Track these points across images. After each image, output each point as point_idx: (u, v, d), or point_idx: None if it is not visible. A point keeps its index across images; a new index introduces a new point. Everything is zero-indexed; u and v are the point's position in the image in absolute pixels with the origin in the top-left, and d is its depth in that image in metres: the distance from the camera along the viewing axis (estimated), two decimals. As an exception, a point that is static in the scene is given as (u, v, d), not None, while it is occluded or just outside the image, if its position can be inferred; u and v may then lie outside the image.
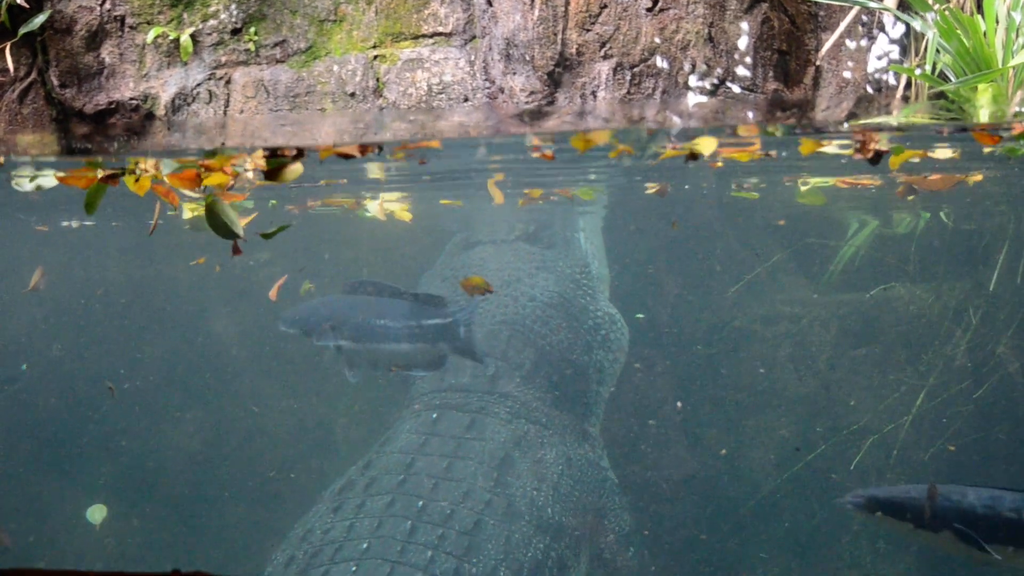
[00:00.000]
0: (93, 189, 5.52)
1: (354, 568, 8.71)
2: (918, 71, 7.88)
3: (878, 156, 7.56)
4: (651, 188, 9.65)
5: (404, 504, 9.12)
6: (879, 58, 8.09)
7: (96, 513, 11.07)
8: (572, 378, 9.53)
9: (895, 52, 8.07)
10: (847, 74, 8.03)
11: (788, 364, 10.39)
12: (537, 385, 9.53)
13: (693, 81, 7.93)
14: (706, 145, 7.04)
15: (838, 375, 10.27)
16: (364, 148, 5.97)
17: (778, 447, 9.13)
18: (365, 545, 9.02)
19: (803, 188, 9.34)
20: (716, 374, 10.60)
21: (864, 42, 8.09)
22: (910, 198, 8.51)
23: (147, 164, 6.17)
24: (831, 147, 7.99)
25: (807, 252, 10.56)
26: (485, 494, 9.20)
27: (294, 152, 5.63)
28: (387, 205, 9.77)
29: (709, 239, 11.14)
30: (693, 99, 7.89)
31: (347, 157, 5.93)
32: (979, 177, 8.46)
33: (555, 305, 9.76)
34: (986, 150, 8.50)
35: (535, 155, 7.85)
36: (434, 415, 9.56)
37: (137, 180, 6.05)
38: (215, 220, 5.59)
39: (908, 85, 7.93)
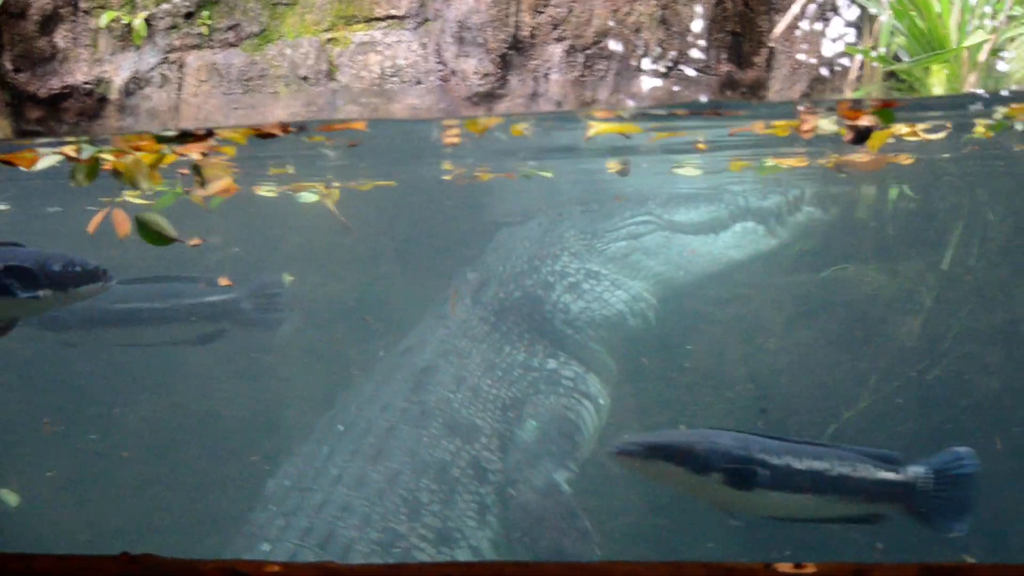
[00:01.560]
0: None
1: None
2: (874, 53, 7.84)
3: (863, 134, 7.51)
4: (612, 167, 9.60)
5: (328, 429, 9.45)
6: (834, 40, 8.03)
7: (9, 497, 11.09)
8: (520, 302, 9.58)
9: (850, 34, 8.02)
10: (801, 56, 7.98)
11: (739, 345, 10.35)
12: (482, 304, 9.66)
13: (646, 63, 7.88)
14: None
15: (790, 356, 10.24)
16: (285, 127, 5.94)
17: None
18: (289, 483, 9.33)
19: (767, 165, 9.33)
20: (668, 355, 10.62)
21: (819, 24, 8.04)
22: (842, 175, 8.47)
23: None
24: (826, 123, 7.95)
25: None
26: (403, 402, 9.38)
27: (204, 131, 5.61)
28: (321, 191, 9.73)
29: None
30: (647, 81, 7.85)
31: (267, 137, 5.90)
32: (909, 160, 8.43)
33: (520, 248, 9.84)
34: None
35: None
36: (382, 352, 9.86)
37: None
38: (147, 231, 5.59)
39: (862, 67, 7.88)
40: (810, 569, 3.85)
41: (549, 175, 10.09)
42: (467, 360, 9.61)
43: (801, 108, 7.58)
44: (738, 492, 5.98)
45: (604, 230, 9.85)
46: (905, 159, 8.32)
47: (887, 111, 7.09)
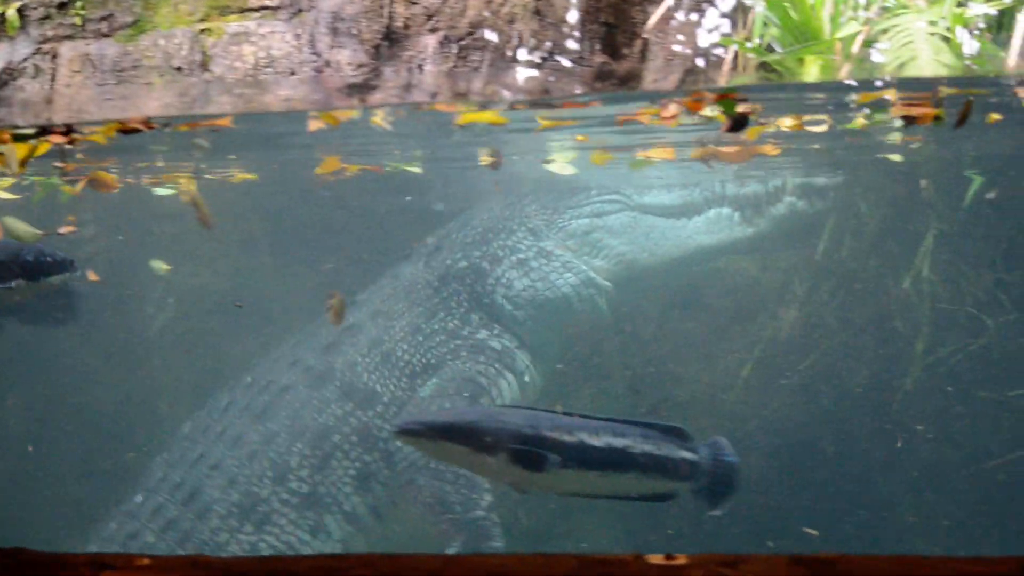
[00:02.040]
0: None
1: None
2: (749, 44, 7.84)
3: (739, 122, 7.51)
4: (484, 159, 9.55)
5: (237, 380, 9.49)
6: (709, 31, 8.03)
7: None
8: (464, 271, 9.53)
9: (725, 25, 8.01)
10: (677, 47, 7.97)
11: (614, 336, 10.34)
12: (431, 269, 9.61)
13: (521, 54, 7.86)
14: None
15: (665, 347, 10.25)
16: (148, 122, 5.89)
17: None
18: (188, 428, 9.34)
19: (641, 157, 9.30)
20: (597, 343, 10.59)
21: (694, 15, 8.03)
22: (711, 164, 8.46)
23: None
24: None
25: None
26: (310, 361, 9.35)
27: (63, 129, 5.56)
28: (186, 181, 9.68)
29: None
30: (522, 72, 7.82)
31: (131, 132, 5.85)
32: (775, 151, 8.43)
33: (478, 219, 9.81)
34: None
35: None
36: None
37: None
38: (13, 230, 5.57)
39: (736, 58, 7.88)
40: (681, 560, 3.84)
41: (417, 170, 10.03)
42: (393, 323, 9.50)
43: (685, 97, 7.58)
44: (524, 472, 5.90)
45: (567, 206, 9.76)
46: (772, 150, 8.32)
47: (728, 101, 7.10)
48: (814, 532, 8.98)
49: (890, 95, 7.71)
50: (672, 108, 6.80)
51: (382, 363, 9.32)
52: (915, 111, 7.95)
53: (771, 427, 9.26)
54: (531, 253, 9.48)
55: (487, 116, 7.28)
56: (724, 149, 8.14)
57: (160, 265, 10.05)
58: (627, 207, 9.68)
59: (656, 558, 3.68)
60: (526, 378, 9.40)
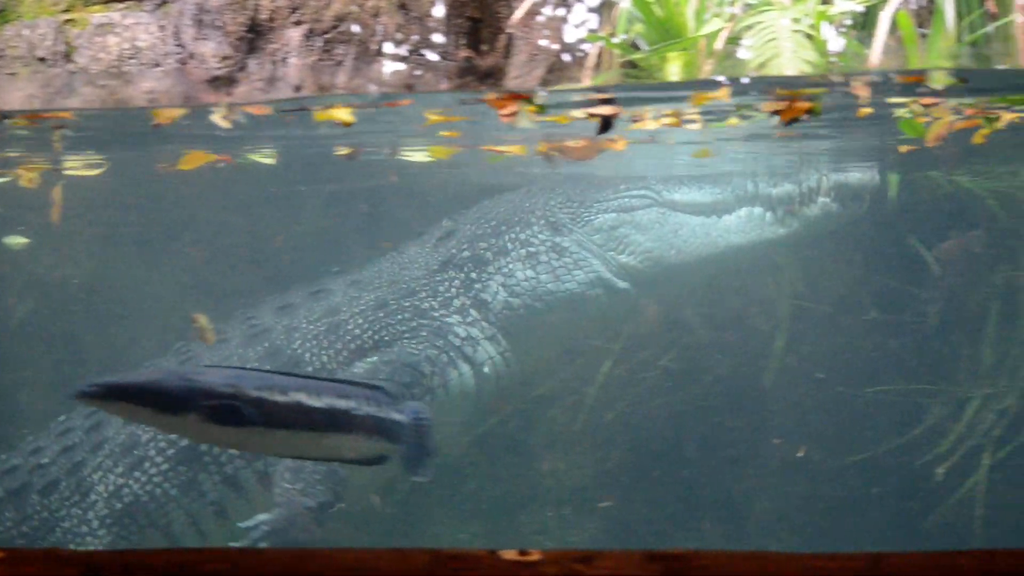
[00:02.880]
0: None
1: None
2: (615, 40, 7.82)
3: (607, 123, 7.48)
4: (342, 150, 9.46)
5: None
6: (577, 27, 8.01)
7: None
8: (465, 260, 9.38)
9: (593, 20, 7.99)
10: (544, 42, 7.95)
11: (611, 340, 10.24)
12: (437, 252, 9.44)
13: (386, 48, 7.82)
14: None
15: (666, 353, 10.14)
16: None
17: (463, 413, 9.07)
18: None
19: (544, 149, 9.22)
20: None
21: (562, 10, 8.01)
22: (555, 157, 8.41)
23: None
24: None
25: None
26: (260, 318, 9.19)
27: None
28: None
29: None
30: (388, 66, 7.79)
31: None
32: (622, 146, 8.38)
33: (495, 210, 9.64)
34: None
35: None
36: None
37: None
38: None
39: (601, 54, 7.85)
40: (535, 556, 3.81)
41: (271, 161, 9.94)
42: (361, 295, 9.33)
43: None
44: (225, 430, 5.66)
45: (595, 199, 9.57)
46: (620, 145, 8.28)
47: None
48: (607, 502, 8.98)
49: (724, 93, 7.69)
50: (511, 105, 6.77)
51: (326, 333, 9.15)
52: (786, 106, 7.94)
53: (629, 422, 9.26)
54: (543, 248, 9.30)
55: (341, 115, 7.23)
56: (569, 144, 8.09)
57: (15, 240, 9.94)
58: (655, 203, 9.51)
59: (510, 554, 3.65)
60: (486, 369, 9.20)
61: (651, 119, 8.22)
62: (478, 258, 9.27)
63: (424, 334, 9.05)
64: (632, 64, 7.82)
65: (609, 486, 9.29)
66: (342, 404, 5.74)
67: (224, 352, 9.11)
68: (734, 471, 8.71)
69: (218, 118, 7.46)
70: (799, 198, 9.31)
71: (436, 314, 9.13)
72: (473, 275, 9.26)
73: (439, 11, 7.81)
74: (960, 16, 7.78)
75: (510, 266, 9.21)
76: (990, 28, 7.76)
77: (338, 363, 9.03)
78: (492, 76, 7.84)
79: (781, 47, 7.70)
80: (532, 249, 9.28)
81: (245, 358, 9.08)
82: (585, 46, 7.87)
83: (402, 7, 7.75)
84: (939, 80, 7.70)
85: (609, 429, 9.38)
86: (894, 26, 7.69)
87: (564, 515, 9.15)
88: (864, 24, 7.85)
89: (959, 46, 7.76)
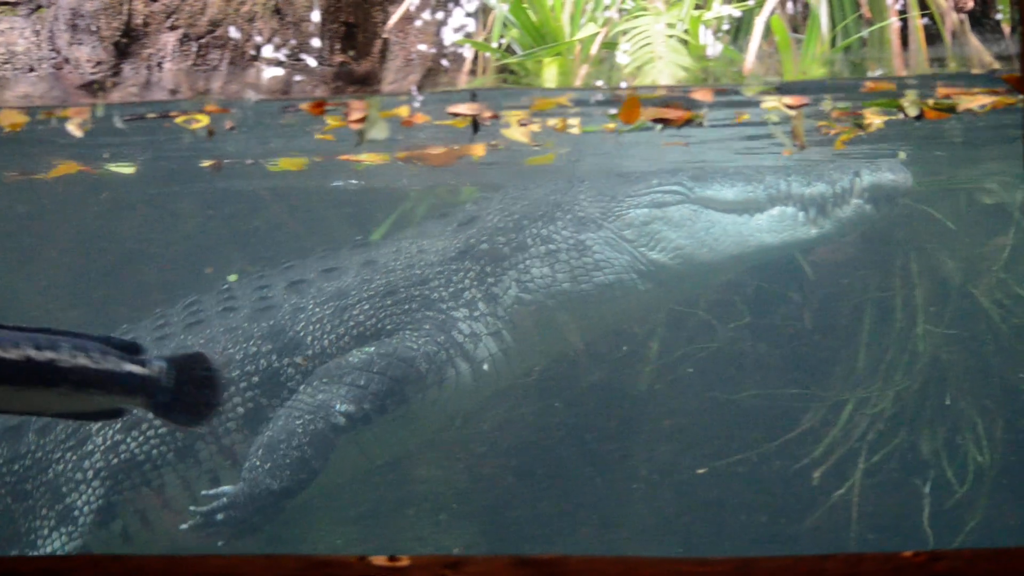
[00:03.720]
0: None
1: None
2: (495, 45, 7.78)
3: (476, 126, 7.43)
4: (207, 162, 9.34)
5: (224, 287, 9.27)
6: (456, 31, 7.97)
7: None
8: (481, 253, 9.17)
9: (470, 25, 7.95)
10: (422, 47, 7.91)
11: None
12: (455, 239, 9.22)
13: (263, 52, 7.77)
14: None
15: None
16: None
17: (458, 409, 8.97)
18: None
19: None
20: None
21: (440, 14, 7.97)
22: (416, 162, 8.35)
23: None
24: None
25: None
26: (271, 292, 9.00)
27: None
28: None
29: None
30: (266, 71, 7.74)
31: None
32: (481, 151, 8.32)
33: (519, 204, 9.43)
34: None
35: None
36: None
37: None
38: None
39: (477, 59, 7.82)
40: (404, 562, 3.78)
41: (129, 171, 9.80)
42: (370, 278, 9.13)
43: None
44: None
45: (626, 194, 9.38)
46: (479, 151, 8.22)
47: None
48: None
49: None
50: (361, 110, 6.72)
51: (331, 316, 8.95)
52: (669, 113, 7.88)
53: (505, 428, 9.21)
54: (565, 245, 9.10)
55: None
56: (428, 151, 8.02)
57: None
58: (688, 199, 9.34)
59: (379, 559, 3.62)
60: (485, 367, 9.01)
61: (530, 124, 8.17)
62: (495, 252, 9.04)
63: (427, 327, 8.83)
64: (508, 69, 7.78)
65: (487, 491, 9.25)
66: (42, 356, 5.49)
67: (230, 324, 8.97)
68: (611, 476, 8.66)
69: (73, 126, 7.40)
70: (832, 199, 9.14)
71: (444, 306, 8.89)
72: (488, 268, 9.03)
73: (315, 16, 7.76)
74: (834, 21, 7.77)
75: (527, 262, 9.01)
76: (865, 33, 7.75)
77: (338, 348, 8.84)
78: (368, 81, 7.81)
79: (656, 52, 7.68)
80: (553, 247, 9.07)
81: (249, 333, 8.93)
82: (464, 50, 7.84)
83: (278, 12, 7.70)
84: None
85: (487, 435, 9.33)
86: (769, 31, 7.68)
87: (441, 521, 9.11)
88: (737, 31, 7.85)
89: (833, 51, 7.75)
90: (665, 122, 7.89)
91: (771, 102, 7.55)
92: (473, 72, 7.76)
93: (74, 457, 8.89)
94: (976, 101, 7.29)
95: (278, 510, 8.37)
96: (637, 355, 9.20)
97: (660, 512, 9.17)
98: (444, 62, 7.93)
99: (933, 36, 7.75)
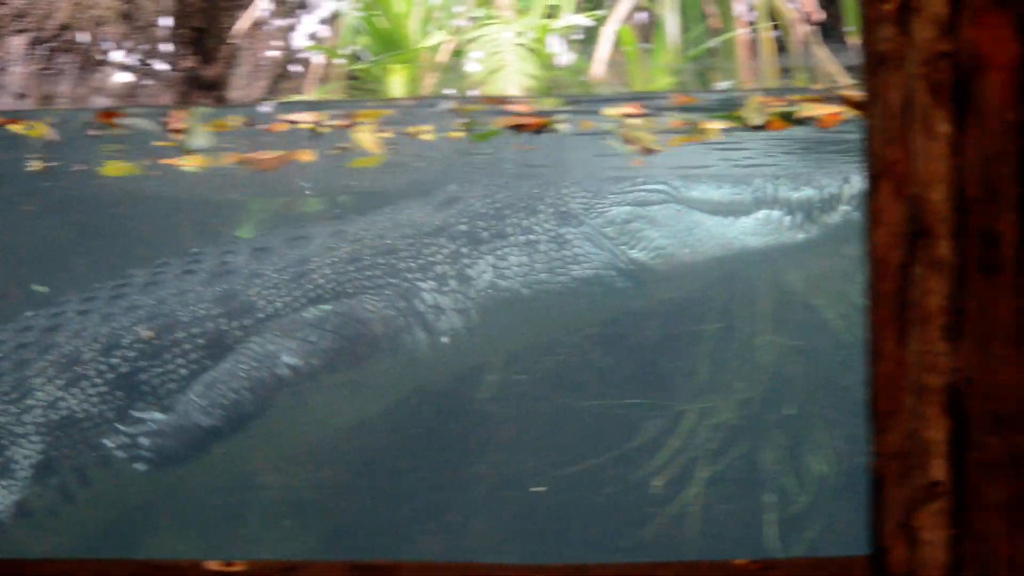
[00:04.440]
0: None
1: None
2: (347, 51, 7.74)
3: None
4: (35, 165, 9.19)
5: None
6: (308, 37, 7.92)
7: None
8: (460, 233, 9.05)
9: (323, 31, 7.90)
10: (272, 53, 7.86)
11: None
12: (435, 215, 9.14)
13: (112, 57, 7.72)
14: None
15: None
16: None
17: (411, 380, 8.90)
18: None
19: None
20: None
21: (291, 21, 7.92)
22: (246, 165, 8.25)
23: None
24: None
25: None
26: (236, 257, 8.90)
27: None
28: None
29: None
30: (114, 76, 7.69)
31: None
32: (310, 156, 8.23)
33: (502, 193, 9.35)
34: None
35: None
36: None
37: None
38: None
39: (327, 65, 7.76)
40: (239, 567, 3.75)
41: None
42: (335, 247, 9.01)
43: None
44: None
45: (609, 191, 9.27)
46: (307, 156, 8.13)
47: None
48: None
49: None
50: (180, 119, 6.66)
51: (288, 281, 8.87)
52: (523, 120, 7.82)
53: (352, 433, 9.11)
54: (545, 237, 9.02)
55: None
56: (257, 156, 7.94)
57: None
58: (672, 199, 9.23)
59: (214, 564, 3.58)
60: (445, 339, 8.87)
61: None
62: (474, 235, 8.94)
63: (388, 293, 8.73)
64: (356, 76, 7.73)
65: (330, 498, 9.19)
66: None
67: (185, 286, 8.88)
68: (453, 483, 8.57)
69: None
70: (820, 204, 9.02)
71: (409, 276, 8.79)
72: (464, 250, 8.93)
73: (164, 21, 7.70)
74: (683, 31, 7.71)
75: (505, 249, 8.91)
76: (713, 43, 7.69)
77: (292, 309, 8.74)
78: (216, 87, 7.75)
79: (504, 61, 7.62)
80: (533, 237, 8.98)
81: (201, 297, 8.86)
82: (316, 57, 7.79)
83: (127, 16, 7.64)
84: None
85: (330, 441, 9.23)
86: (618, 41, 7.63)
87: (282, 526, 9.04)
88: (587, 39, 7.79)
89: (682, 61, 7.69)
90: (520, 128, 7.85)
91: (612, 110, 7.48)
92: (322, 79, 7.70)
93: (15, 410, 8.63)
94: (817, 111, 7.22)
95: (203, 448, 8.17)
96: (477, 361, 9.11)
97: (500, 519, 9.10)
98: (294, 68, 7.87)
99: (782, 47, 7.70)
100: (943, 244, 2.30)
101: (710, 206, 9.05)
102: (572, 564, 3.50)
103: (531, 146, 8.94)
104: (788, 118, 7.30)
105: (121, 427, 8.17)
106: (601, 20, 7.68)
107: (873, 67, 2.41)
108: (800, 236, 9.02)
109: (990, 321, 2.25)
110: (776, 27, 7.66)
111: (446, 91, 7.82)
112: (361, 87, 7.75)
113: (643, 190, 9.08)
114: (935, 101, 2.31)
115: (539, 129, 7.88)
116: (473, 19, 7.72)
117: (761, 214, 9.06)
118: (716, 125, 7.37)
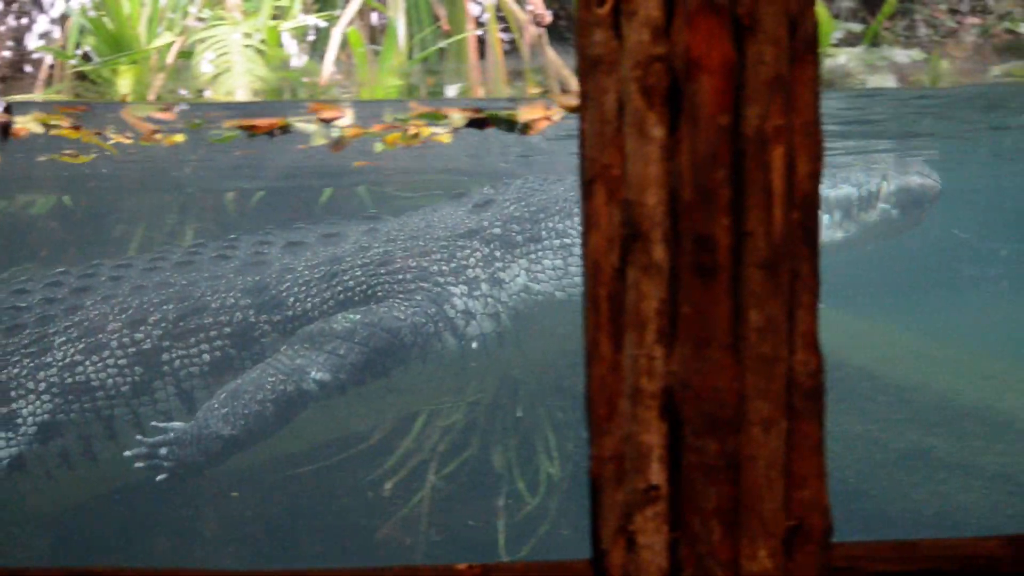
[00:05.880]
0: None
1: None
2: (79, 52, 7.46)
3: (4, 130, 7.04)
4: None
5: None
6: (41, 37, 7.62)
7: None
8: (494, 236, 8.54)
9: (56, 31, 7.61)
10: (3, 53, 7.54)
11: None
12: (470, 217, 8.59)
13: None
14: None
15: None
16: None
17: (441, 385, 8.59)
18: None
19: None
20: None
21: (24, 20, 7.61)
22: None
23: None
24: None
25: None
26: (268, 249, 8.80)
27: None
28: None
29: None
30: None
31: None
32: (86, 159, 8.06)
33: (539, 194, 8.83)
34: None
35: None
36: None
37: None
38: None
39: (55, 66, 7.48)
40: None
41: None
42: (368, 246, 8.44)
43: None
44: None
45: None
46: (83, 159, 7.94)
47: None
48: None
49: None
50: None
51: (319, 280, 8.34)
52: (257, 121, 7.62)
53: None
54: (580, 240, 8.48)
55: None
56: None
57: None
58: None
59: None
60: (474, 344, 8.40)
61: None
62: (507, 239, 8.55)
63: (419, 298, 8.29)
64: (85, 77, 7.46)
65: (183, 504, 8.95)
66: None
67: (217, 272, 8.43)
68: (184, 487, 8.35)
69: None
70: (858, 202, 8.78)
71: (441, 280, 8.36)
72: (497, 253, 8.53)
73: None
74: (412, 33, 7.64)
75: (539, 253, 8.54)
76: (443, 44, 7.64)
77: (321, 312, 8.29)
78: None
79: (232, 62, 7.44)
80: (568, 240, 8.63)
81: (232, 284, 8.40)
82: (45, 58, 7.50)
83: None
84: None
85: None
86: (347, 43, 7.52)
87: (202, 533, 8.77)
88: (320, 41, 7.67)
89: (410, 63, 7.63)
90: (252, 129, 7.67)
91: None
92: (50, 80, 7.40)
93: (31, 364, 8.40)
94: (533, 114, 7.20)
95: (223, 457, 7.93)
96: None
97: (235, 522, 8.94)
98: (27, 68, 7.56)
99: (513, 50, 7.68)
100: (657, 248, 2.28)
101: None
102: (288, 569, 3.49)
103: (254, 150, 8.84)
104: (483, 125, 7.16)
105: (141, 438, 7.91)
106: (335, 21, 7.56)
107: (587, 71, 2.38)
108: (839, 235, 8.80)
109: (705, 325, 2.25)
110: (506, 29, 7.65)
111: (179, 92, 7.62)
112: (91, 89, 7.49)
113: None
114: (648, 105, 2.29)
115: (271, 132, 7.71)
116: (202, 20, 7.52)
117: None
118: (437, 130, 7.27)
